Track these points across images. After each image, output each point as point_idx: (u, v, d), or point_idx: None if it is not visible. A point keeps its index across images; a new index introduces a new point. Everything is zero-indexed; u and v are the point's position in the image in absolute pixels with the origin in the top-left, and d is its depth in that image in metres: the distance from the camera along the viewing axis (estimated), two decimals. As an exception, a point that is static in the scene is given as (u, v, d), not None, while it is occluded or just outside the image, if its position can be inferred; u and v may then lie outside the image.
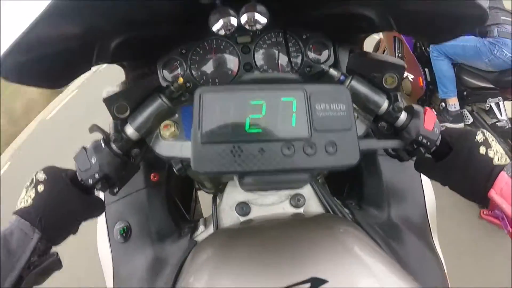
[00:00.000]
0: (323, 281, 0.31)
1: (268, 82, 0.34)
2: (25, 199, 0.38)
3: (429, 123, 0.43)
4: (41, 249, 0.37)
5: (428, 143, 0.43)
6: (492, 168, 0.39)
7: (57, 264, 0.40)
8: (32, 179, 0.40)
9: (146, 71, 0.55)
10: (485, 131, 0.42)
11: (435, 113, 0.47)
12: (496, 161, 0.39)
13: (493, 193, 0.38)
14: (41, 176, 0.40)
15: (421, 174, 0.58)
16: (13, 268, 0.34)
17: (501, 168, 0.39)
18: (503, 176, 0.38)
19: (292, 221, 0.45)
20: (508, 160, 0.40)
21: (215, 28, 0.45)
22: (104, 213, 0.56)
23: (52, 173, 0.41)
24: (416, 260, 0.51)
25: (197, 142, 0.29)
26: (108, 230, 0.55)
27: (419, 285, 0.32)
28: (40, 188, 0.39)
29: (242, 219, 0.48)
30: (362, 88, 0.45)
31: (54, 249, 0.40)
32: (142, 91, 0.44)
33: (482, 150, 0.40)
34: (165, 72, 0.55)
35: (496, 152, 0.40)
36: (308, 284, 0.30)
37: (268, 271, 0.33)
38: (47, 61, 0.36)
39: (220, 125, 0.29)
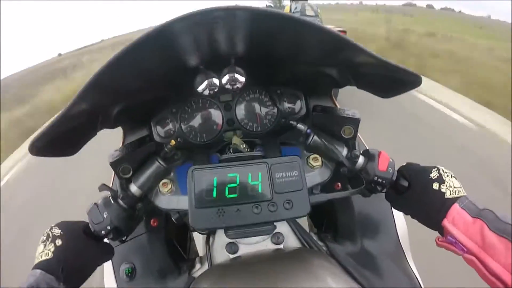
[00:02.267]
0: None
1: (242, 159, 0.45)
2: (45, 253, 0.44)
3: (383, 164, 0.51)
4: None
5: (384, 182, 0.50)
6: (444, 201, 0.45)
7: None
8: (48, 234, 0.46)
9: (142, 130, 0.63)
10: (441, 168, 0.48)
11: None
12: (448, 195, 0.45)
13: (446, 222, 0.44)
14: (57, 231, 0.46)
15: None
16: None
17: (453, 200, 0.44)
18: (455, 207, 0.44)
19: (273, 256, 0.52)
20: (461, 193, 0.45)
21: (200, 88, 0.53)
22: None
23: (67, 227, 0.47)
24: (391, 283, 0.57)
25: (193, 207, 0.40)
26: (114, 271, 0.62)
27: None
28: (58, 242, 0.44)
29: (231, 256, 0.55)
30: (323, 143, 0.53)
31: None
32: (142, 155, 0.53)
33: (435, 186, 0.46)
34: (159, 128, 0.64)
35: (449, 187, 0.46)
36: None
37: None
38: (63, 138, 0.45)
39: (207, 193, 0.41)
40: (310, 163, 0.54)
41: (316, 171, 0.55)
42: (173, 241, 0.69)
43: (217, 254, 0.57)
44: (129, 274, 0.61)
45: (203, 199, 0.40)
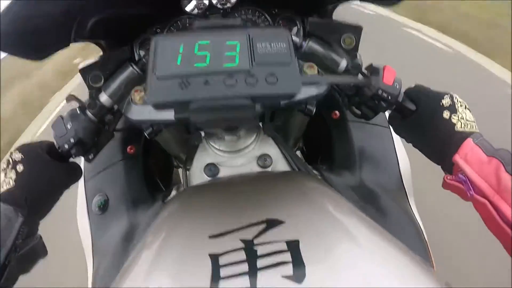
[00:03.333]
0: (279, 222, 0.32)
1: (215, 27, 0.36)
2: (6, 181, 0.39)
3: (389, 78, 0.44)
4: (25, 232, 0.38)
5: (389, 97, 0.44)
6: (453, 134, 0.40)
7: (42, 250, 0.41)
8: (9, 160, 0.41)
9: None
10: (455, 95, 0.43)
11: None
12: (458, 127, 0.40)
13: (458, 158, 0.39)
14: (18, 155, 0.41)
15: (394, 140, 0.59)
16: None
17: (465, 134, 0.39)
18: (469, 142, 0.39)
19: (258, 177, 0.46)
20: (473, 128, 0.40)
21: (188, 8, 0.49)
22: (83, 189, 0.58)
23: (28, 150, 0.42)
24: (394, 225, 0.50)
25: (152, 79, 0.31)
26: (87, 204, 0.56)
27: (401, 245, 0.32)
28: (20, 168, 0.40)
29: (210, 179, 0.49)
30: (319, 49, 0.47)
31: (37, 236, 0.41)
32: (115, 61, 0.47)
33: (446, 114, 0.41)
34: (141, 51, 0.58)
35: (461, 118, 0.40)
36: (264, 225, 0.31)
37: (226, 217, 0.34)
38: (29, 34, 0.39)
39: (171, 63, 0.32)
40: (305, 71, 0.47)
41: None
42: (153, 173, 0.63)
43: (195, 178, 0.51)
44: (101, 207, 0.55)
45: (165, 69, 0.32)
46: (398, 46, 3.23)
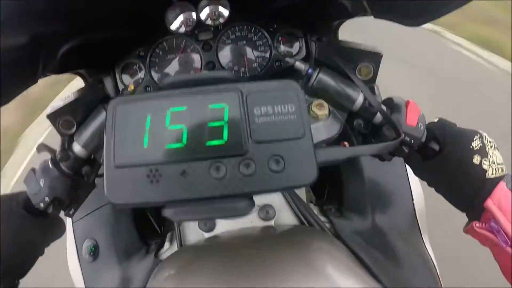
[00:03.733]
0: None
1: (193, 84, 0.26)
2: None
3: (412, 118, 0.38)
4: None
5: (412, 141, 0.37)
6: (484, 182, 0.35)
7: None
8: None
9: (104, 78, 0.50)
10: (485, 135, 0.37)
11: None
12: (489, 174, 0.35)
13: (491, 204, 0.34)
14: None
15: (408, 172, 0.53)
16: None
17: (497, 179, 0.34)
18: (501, 187, 0.34)
19: (260, 238, 0.41)
20: (503, 172, 0.35)
21: (173, 26, 0.42)
22: (72, 231, 0.54)
23: (3, 205, 0.38)
24: (406, 268, 0.47)
25: (110, 167, 0.23)
26: (77, 249, 0.53)
27: None
28: None
29: (206, 235, 0.44)
30: (331, 82, 0.40)
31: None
32: (87, 104, 0.40)
33: (476, 159, 0.35)
34: (125, 77, 0.51)
35: (492, 163, 0.35)
36: None
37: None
38: None
39: (135, 143, 0.23)
40: (312, 111, 0.40)
41: (321, 123, 0.40)
42: (146, 213, 0.58)
43: (189, 232, 0.46)
44: (91, 253, 0.51)
45: (127, 152, 0.23)
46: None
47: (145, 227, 0.54)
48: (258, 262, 0.34)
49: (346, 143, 0.53)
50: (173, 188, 0.22)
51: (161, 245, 0.50)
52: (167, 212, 0.23)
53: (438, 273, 0.49)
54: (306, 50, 0.50)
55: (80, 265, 0.52)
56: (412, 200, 0.52)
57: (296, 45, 0.51)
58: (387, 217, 0.50)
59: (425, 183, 0.42)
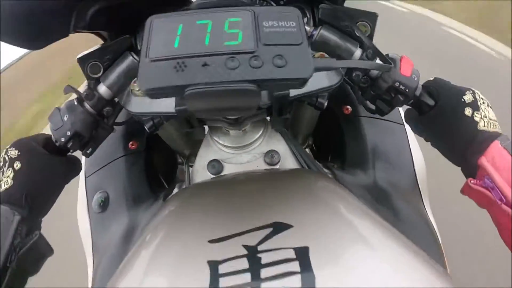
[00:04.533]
0: (287, 226, 0.29)
1: (216, 6, 0.33)
2: (3, 181, 0.38)
3: (406, 69, 0.41)
4: (24, 231, 0.37)
5: (407, 90, 0.40)
6: (476, 133, 0.37)
7: (46, 248, 0.40)
8: (5, 158, 0.39)
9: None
10: (477, 91, 0.40)
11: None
12: (481, 126, 0.37)
13: (485, 161, 0.35)
14: (13, 152, 0.39)
15: (409, 138, 0.55)
16: None
17: (491, 135, 0.36)
18: (496, 145, 0.35)
19: (264, 175, 0.43)
20: (496, 128, 0.37)
21: None
22: (84, 185, 0.56)
23: (24, 145, 0.41)
24: (407, 227, 0.47)
25: (145, 61, 0.27)
26: (87, 202, 0.55)
27: (416, 249, 0.29)
28: (17, 165, 0.38)
29: (214, 177, 0.46)
30: (332, 36, 0.43)
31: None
32: (115, 50, 0.44)
33: (468, 111, 0.37)
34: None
35: (484, 116, 0.37)
36: (270, 229, 0.28)
37: (228, 219, 0.31)
38: (26, 22, 0.37)
39: (166, 44, 0.28)
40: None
41: (323, 72, 0.44)
42: (156, 169, 0.60)
43: (198, 176, 0.48)
44: (102, 204, 0.53)
45: (159, 50, 0.28)
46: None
47: (154, 182, 0.57)
48: (260, 194, 0.36)
49: (348, 107, 0.56)
50: (195, 75, 0.26)
51: (169, 193, 0.52)
52: (189, 94, 0.26)
53: (439, 237, 0.50)
54: (313, 22, 0.55)
55: (89, 217, 0.54)
56: (413, 164, 0.53)
57: (305, 19, 0.55)
58: (388, 176, 0.51)
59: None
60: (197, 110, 0.28)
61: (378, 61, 0.42)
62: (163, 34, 0.29)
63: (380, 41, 0.45)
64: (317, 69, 0.29)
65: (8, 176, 0.38)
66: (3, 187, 0.37)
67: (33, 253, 0.37)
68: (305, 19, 0.55)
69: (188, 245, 0.29)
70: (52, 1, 0.37)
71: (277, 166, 0.47)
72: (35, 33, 0.41)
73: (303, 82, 0.28)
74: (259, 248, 0.26)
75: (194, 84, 0.26)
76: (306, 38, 0.29)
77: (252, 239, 0.27)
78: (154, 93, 0.27)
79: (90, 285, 0.51)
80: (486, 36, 3.01)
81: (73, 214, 0.59)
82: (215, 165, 0.46)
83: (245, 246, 0.27)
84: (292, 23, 0.29)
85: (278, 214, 0.30)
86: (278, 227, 0.28)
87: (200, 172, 0.48)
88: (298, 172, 0.44)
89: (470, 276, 1.22)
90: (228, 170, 0.47)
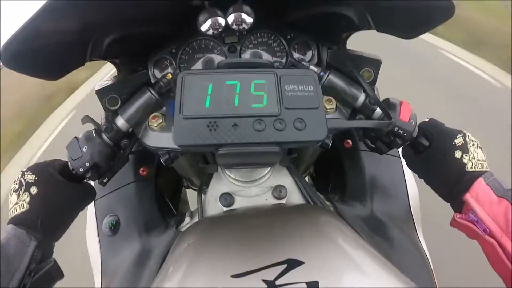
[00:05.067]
0: (299, 263, 0.32)
1: (242, 66, 0.37)
2: (19, 204, 0.38)
3: (405, 114, 0.45)
4: (39, 256, 0.37)
5: (405, 134, 0.44)
6: (463, 174, 0.40)
7: (58, 273, 0.41)
8: (21, 182, 0.40)
9: (137, 68, 0.57)
10: (468, 134, 0.43)
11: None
12: (469, 167, 0.41)
13: (469, 197, 0.39)
14: (31, 177, 0.40)
15: (404, 170, 0.59)
16: (12, 277, 0.34)
17: (476, 174, 0.40)
18: (480, 182, 0.39)
19: (273, 210, 0.46)
20: (484, 168, 0.41)
21: (203, 28, 0.48)
22: (93, 207, 0.58)
23: (41, 171, 0.41)
24: (401, 256, 0.51)
25: (179, 118, 0.31)
26: (97, 224, 0.56)
27: (407, 280, 0.33)
28: (33, 190, 0.39)
29: (226, 209, 0.49)
30: (339, 82, 0.47)
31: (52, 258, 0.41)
32: (133, 84, 0.46)
33: (458, 154, 0.41)
34: (156, 71, 0.58)
35: (472, 158, 0.41)
36: (284, 266, 0.32)
37: (245, 256, 0.34)
38: (44, 53, 0.39)
39: (199, 102, 0.32)
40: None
41: (329, 115, 0.48)
42: (163, 195, 0.63)
43: (210, 207, 0.51)
44: (112, 228, 0.55)
45: (192, 108, 0.31)
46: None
47: (162, 207, 0.59)
48: (272, 230, 0.39)
49: (349, 141, 0.60)
50: (227, 135, 0.29)
51: (180, 221, 0.54)
52: (221, 153, 0.29)
53: (432, 266, 0.54)
54: (317, 57, 0.59)
55: (99, 239, 0.55)
56: (408, 196, 0.58)
57: (309, 53, 0.59)
58: (384, 207, 0.55)
59: (420, 184, 0.47)
60: (225, 164, 0.31)
61: (378, 109, 0.46)
62: (195, 92, 0.32)
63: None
64: (330, 130, 0.33)
65: (24, 200, 0.39)
66: (19, 210, 0.38)
67: (45, 278, 0.38)
68: (310, 53, 0.59)
69: (212, 279, 0.31)
70: (70, 33, 0.39)
71: (284, 201, 0.50)
72: (53, 65, 0.43)
73: (318, 142, 0.31)
74: (277, 282, 0.30)
75: (226, 144, 0.29)
76: (322, 102, 0.32)
77: (270, 275, 0.31)
78: (188, 149, 0.31)
79: None
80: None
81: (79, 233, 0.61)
82: (227, 198, 0.49)
83: (265, 281, 0.30)
84: (310, 87, 0.34)
85: (290, 251, 0.34)
86: (291, 263, 0.32)
87: (211, 203, 0.50)
88: (304, 208, 0.47)
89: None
90: (239, 203, 0.49)
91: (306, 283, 0.29)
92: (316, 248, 0.35)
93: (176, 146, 0.44)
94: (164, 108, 0.48)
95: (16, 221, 0.38)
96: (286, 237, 0.37)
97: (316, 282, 0.29)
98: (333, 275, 0.31)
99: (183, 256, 0.37)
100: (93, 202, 0.58)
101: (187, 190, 0.86)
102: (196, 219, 0.52)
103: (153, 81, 0.57)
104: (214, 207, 0.50)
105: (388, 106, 0.46)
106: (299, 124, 0.31)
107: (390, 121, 0.41)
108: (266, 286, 0.29)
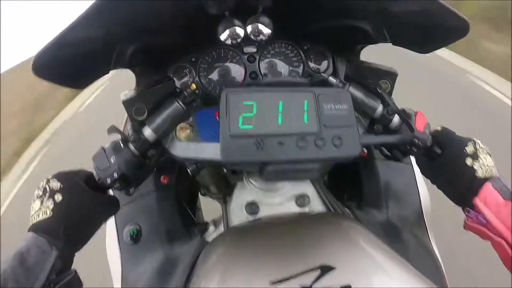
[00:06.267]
0: (332, 268, 0.34)
1: (281, 85, 0.39)
2: (42, 211, 0.38)
3: (420, 125, 0.47)
4: (59, 266, 0.36)
5: (420, 143, 0.47)
6: (473, 180, 0.43)
7: (77, 283, 0.39)
8: (45, 188, 0.39)
9: (156, 77, 0.58)
10: (478, 142, 0.46)
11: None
12: (479, 174, 0.43)
13: (478, 201, 0.42)
14: (56, 184, 0.40)
15: (416, 176, 0.62)
16: (32, 287, 0.33)
17: (485, 180, 0.42)
18: (487, 186, 0.42)
19: (298, 218, 0.48)
20: (492, 173, 0.43)
21: (222, 37, 0.49)
22: (113, 216, 0.58)
23: (67, 179, 0.41)
24: (415, 259, 0.53)
25: (226, 136, 0.32)
26: (117, 233, 0.56)
27: (427, 280, 0.34)
28: (58, 197, 0.39)
29: (251, 218, 0.50)
30: (358, 94, 0.49)
31: (73, 267, 0.40)
32: (159, 94, 0.47)
33: (469, 161, 0.44)
34: (176, 79, 0.59)
35: (482, 165, 0.43)
36: (318, 271, 0.33)
37: (279, 263, 0.36)
38: (73, 63, 0.40)
39: (244, 121, 0.34)
40: None
41: None
42: (183, 203, 0.63)
43: (235, 216, 0.52)
44: (134, 237, 0.55)
45: (238, 126, 0.33)
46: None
47: (183, 215, 0.59)
48: (298, 238, 0.40)
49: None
50: (273, 152, 0.31)
51: (204, 230, 0.55)
52: (269, 170, 0.31)
53: (443, 269, 0.56)
54: (333, 67, 0.61)
55: (120, 248, 0.55)
56: (420, 202, 0.60)
57: (324, 63, 0.61)
58: (398, 213, 0.57)
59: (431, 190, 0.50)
60: (269, 179, 0.33)
61: (396, 117, 0.49)
62: (240, 110, 0.35)
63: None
64: (363, 146, 0.35)
65: (48, 206, 0.38)
66: (41, 217, 0.37)
67: (64, 286, 0.37)
68: (325, 63, 0.61)
69: (251, 286, 0.32)
70: (97, 42, 0.40)
71: (306, 209, 0.52)
72: (79, 73, 0.43)
73: (352, 158, 0.34)
74: (313, 287, 0.31)
75: (273, 161, 0.31)
76: (355, 120, 0.36)
77: (306, 280, 0.32)
78: (235, 165, 0.32)
79: None
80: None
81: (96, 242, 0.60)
82: (252, 207, 0.50)
83: (302, 287, 0.31)
84: (345, 106, 0.36)
85: (321, 257, 0.35)
86: (324, 269, 0.33)
87: (237, 212, 0.52)
88: (328, 215, 0.49)
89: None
90: (263, 211, 0.51)
91: (340, 287, 0.31)
92: (344, 253, 0.37)
93: (204, 157, 0.45)
94: (191, 118, 0.49)
95: (38, 228, 0.37)
96: (315, 244, 0.39)
97: (349, 286, 0.31)
98: (363, 278, 0.32)
99: (215, 267, 0.38)
100: None
101: (203, 197, 0.86)
102: (221, 227, 0.53)
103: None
104: (239, 216, 0.52)
105: (404, 116, 0.49)
106: (337, 141, 0.34)
107: (413, 133, 0.43)
108: None
